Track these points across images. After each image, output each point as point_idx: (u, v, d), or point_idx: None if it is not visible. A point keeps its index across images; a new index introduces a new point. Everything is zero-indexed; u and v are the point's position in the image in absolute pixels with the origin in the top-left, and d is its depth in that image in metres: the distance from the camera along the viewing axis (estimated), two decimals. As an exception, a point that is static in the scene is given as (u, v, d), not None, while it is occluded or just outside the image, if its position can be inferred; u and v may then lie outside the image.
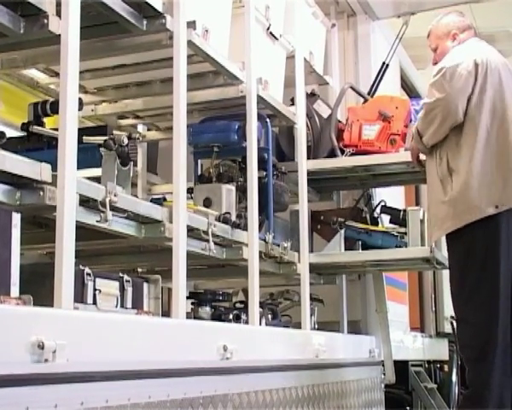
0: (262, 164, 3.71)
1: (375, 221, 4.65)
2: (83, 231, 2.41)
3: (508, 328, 3.14)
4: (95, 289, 2.73)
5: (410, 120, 4.41)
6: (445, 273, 4.86)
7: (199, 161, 3.88)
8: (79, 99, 2.28)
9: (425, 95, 3.49)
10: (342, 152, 4.50)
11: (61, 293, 2.05)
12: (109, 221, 2.47)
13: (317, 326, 4.60)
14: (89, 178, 2.46)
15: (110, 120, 4.10)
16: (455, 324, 3.43)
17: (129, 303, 2.95)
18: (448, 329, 6.62)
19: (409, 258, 4.40)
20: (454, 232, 3.17)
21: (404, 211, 4.40)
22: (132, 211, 2.66)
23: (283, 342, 3.41)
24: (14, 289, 2.06)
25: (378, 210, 4.67)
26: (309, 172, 4.31)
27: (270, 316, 4.14)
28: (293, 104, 4.29)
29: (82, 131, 2.45)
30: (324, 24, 5.00)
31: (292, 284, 4.58)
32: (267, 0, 3.83)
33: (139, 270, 3.94)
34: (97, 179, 2.54)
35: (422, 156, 3.56)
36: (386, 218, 4.66)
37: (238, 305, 4.19)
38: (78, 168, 2.21)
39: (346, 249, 4.52)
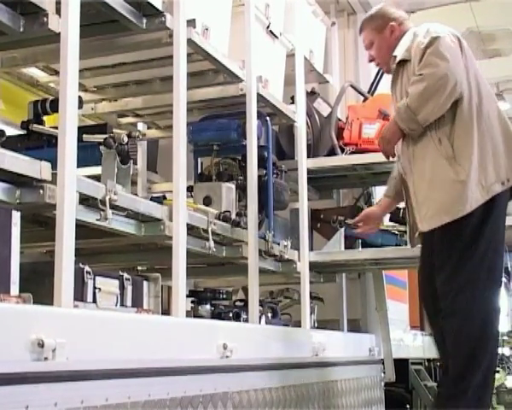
0: (262, 162, 3.70)
1: (374, 220, 4.65)
2: (83, 229, 2.41)
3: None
4: (94, 288, 2.74)
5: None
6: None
7: (199, 160, 3.88)
8: (79, 97, 2.28)
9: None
10: (342, 150, 4.50)
11: (61, 291, 2.05)
12: (109, 219, 2.47)
13: (316, 324, 4.61)
14: (89, 177, 2.45)
15: (110, 118, 4.10)
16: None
17: (129, 302, 2.95)
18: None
19: (408, 256, 4.40)
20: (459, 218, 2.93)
21: (404, 209, 4.40)
22: (132, 209, 2.66)
23: (283, 341, 3.41)
24: (14, 288, 2.06)
25: (378, 209, 4.67)
26: (309, 171, 4.31)
27: (269, 314, 4.14)
28: (293, 103, 4.29)
29: (82, 130, 2.46)
30: (324, 22, 5.00)
31: (292, 282, 4.58)
32: (267, -2, 3.83)
33: (139, 268, 3.95)
34: (97, 178, 2.54)
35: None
36: (385, 216, 4.66)
37: (238, 303, 4.20)
38: (78, 166, 2.21)
39: (345, 248, 4.53)
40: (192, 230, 3.04)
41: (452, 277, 2.95)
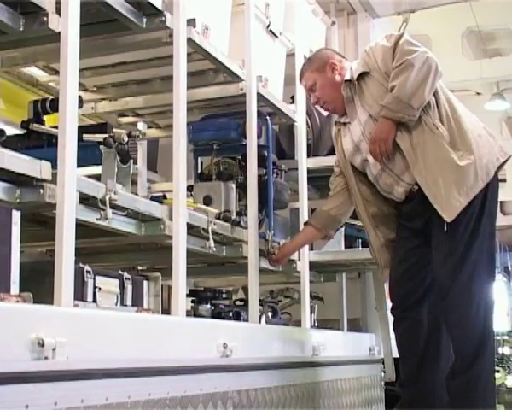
0: (262, 162, 3.71)
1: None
2: (83, 228, 2.41)
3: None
4: (95, 287, 2.74)
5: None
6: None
7: (199, 159, 3.88)
8: (79, 97, 2.28)
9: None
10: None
11: (61, 291, 2.05)
12: (109, 219, 2.47)
13: (316, 324, 4.61)
14: (89, 176, 2.45)
15: (110, 117, 4.10)
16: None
17: (129, 301, 2.96)
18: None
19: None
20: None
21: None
22: (132, 209, 2.66)
23: (283, 340, 3.41)
24: (14, 287, 2.06)
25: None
26: (309, 170, 4.31)
27: (270, 314, 4.14)
28: (293, 102, 4.29)
29: (82, 129, 2.45)
30: (324, 22, 5.00)
31: (292, 281, 4.58)
32: (267, -2, 3.83)
33: (139, 268, 3.95)
34: (97, 177, 2.54)
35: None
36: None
37: (238, 303, 4.20)
38: (78, 166, 2.21)
39: (345, 247, 4.52)
40: (192, 229, 3.04)
41: (461, 263, 2.98)
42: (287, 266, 4.01)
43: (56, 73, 3.45)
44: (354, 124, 3.24)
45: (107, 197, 2.44)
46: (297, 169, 4.25)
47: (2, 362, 1.62)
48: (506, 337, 16.12)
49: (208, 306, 3.77)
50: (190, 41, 3.00)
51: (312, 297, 4.52)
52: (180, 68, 2.86)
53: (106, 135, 2.60)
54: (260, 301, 3.65)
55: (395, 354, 4.94)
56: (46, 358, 1.74)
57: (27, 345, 1.71)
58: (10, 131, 2.73)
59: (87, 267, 2.71)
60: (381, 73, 3.11)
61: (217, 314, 3.74)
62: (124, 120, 4.24)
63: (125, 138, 2.62)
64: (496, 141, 3.14)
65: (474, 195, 2.96)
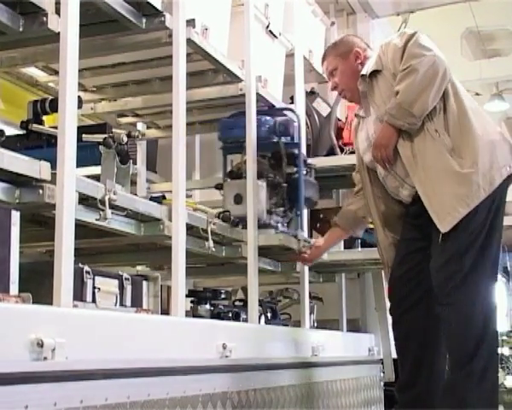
0: (292, 159, 3.66)
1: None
2: (82, 229, 2.41)
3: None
4: (94, 288, 2.74)
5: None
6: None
7: (228, 157, 3.81)
8: (79, 97, 2.28)
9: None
10: (342, 150, 4.50)
11: (61, 291, 2.05)
12: (108, 219, 2.47)
13: (316, 324, 4.61)
14: (88, 177, 2.45)
15: (109, 118, 4.10)
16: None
17: (128, 301, 2.96)
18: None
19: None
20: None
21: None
22: (131, 209, 2.66)
23: (282, 341, 3.41)
24: (14, 288, 2.06)
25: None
26: (308, 171, 4.30)
27: (269, 314, 4.14)
28: (292, 102, 4.29)
29: (81, 130, 2.45)
30: (324, 22, 5.00)
31: (291, 282, 4.58)
32: (266, -2, 3.83)
33: (138, 268, 3.95)
34: (97, 177, 2.54)
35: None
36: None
37: (237, 303, 4.20)
38: (78, 166, 2.21)
39: (345, 248, 4.52)
40: (191, 229, 3.04)
41: (460, 268, 2.89)
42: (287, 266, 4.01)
43: (56, 73, 3.45)
44: (369, 120, 3.19)
45: (107, 198, 2.44)
46: (296, 169, 4.24)
47: (1, 363, 1.62)
48: (505, 338, 16.11)
49: (207, 306, 3.77)
50: (190, 41, 3.00)
51: (312, 298, 4.52)
52: (179, 69, 2.86)
53: (105, 135, 2.60)
54: (260, 301, 3.65)
55: (394, 355, 4.96)
56: (45, 358, 1.74)
57: (27, 345, 1.71)
58: (10, 131, 2.73)
59: (86, 268, 2.71)
60: (391, 73, 3.04)
61: (216, 315, 3.74)
62: (123, 120, 4.24)
63: (125, 139, 2.62)
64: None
65: (474, 205, 2.85)
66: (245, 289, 4.05)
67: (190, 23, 2.98)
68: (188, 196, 3.51)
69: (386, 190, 3.20)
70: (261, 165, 3.62)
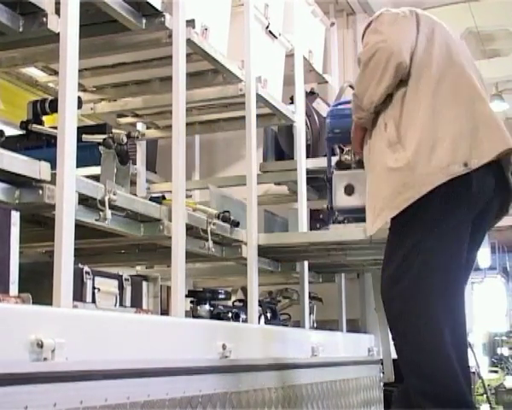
0: None
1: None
2: (82, 229, 2.41)
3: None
4: (94, 288, 2.74)
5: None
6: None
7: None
8: (78, 97, 2.28)
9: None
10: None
11: (60, 291, 2.05)
12: (108, 220, 2.47)
13: (315, 325, 4.61)
14: (88, 177, 2.45)
15: (109, 118, 4.10)
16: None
17: (128, 302, 2.96)
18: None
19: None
20: (408, 206, 2.45)
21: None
22: (131, 209, 2.66)
23: (282, 341, 3.41)
24: (13, 288, 2.06)
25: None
26: (308, 171, 4.31)
27: (269, 315, 4.14)
28: (292, 103, 4.29)
29: (81, 130, 2.46)
30: (323, 22, 5.00)
31: (291, 282, 4.58)
32: (266, -2, 3.83)
33: (138, 268, 3.95)
34: (96, 178, 2.54)
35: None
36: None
37: (237, 303, 4.20)
38: (77, 167, 2.21)
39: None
40: (191, 230, 3.04)
41: (394, 278, 2.52)
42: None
43: (56, 73, 3.45)
44: None
45: (107, 198, 2.44)
46: (296, 170, 4.25)
47: (1, 363, 1.62)
48: (505, 338, 16.15)
49: (207, 306, 3.76)
50: (189, 42, 3.00)
51: (311, 298, 4.52)
52: (179, 69, 2.86)
53: (105, 136, 2.60)
54: (259, 301, 3.65)
55: (394, 355, 4.96)
56: (45, 359, 1.74)
57: (26, 346, 1.70)
58: (9, 131, 2.73)
59: (86, 268, 2.71)
60: None
61: (216, 315, 3.74)
62: (123, 120, 4.24)
63: (125, 139, 2.62)
64: (482, 139, 2.51)
65: (402, 207, 2.45)
66: (245, 290, 4.05)
67: (190, 23, 2.98)
68: (187, 197, 3.51)
69: None
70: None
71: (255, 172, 3.56)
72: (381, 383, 4.84)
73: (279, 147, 4.75)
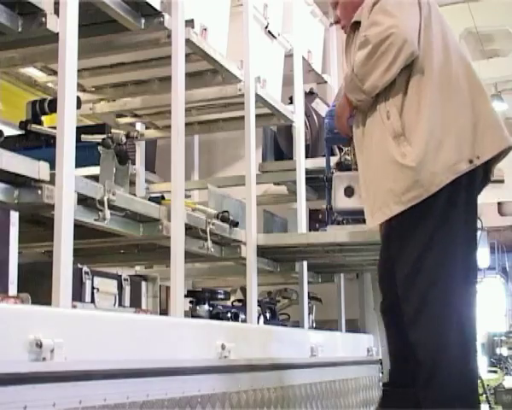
0: None
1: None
2: (81, 229, 2.41)
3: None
4: (93, 288, 2.74)
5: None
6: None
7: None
8: (77, 97, 2.28)
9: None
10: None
11: (59, 291, 2.05)
12: (107, 220, 2.47)
13: (315, 325, 4.61)
14: (87, 177, 2.45)
15: (108, 118, 4.10)
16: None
17: (127, 302, 2.96)
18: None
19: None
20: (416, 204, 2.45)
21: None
22: (130, 209, 2.66)
23: (281, 341, 3.41)
24: (12, 288, 2.06)
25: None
26: (307, 171, 4.31)
27: (268, 314, 4.14)
28: (291, 103, 4.29)
29: (80, 130, 2.45)
30: (323, 22, 5.00)
31: (290, 282, 4.58)
32: (265, -2, 3.84)
33: (137, 268, 3.95)
34: (95, 178, 2.54)
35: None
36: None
37: (236, 303, 4.20)
38: (77, 167, 2.21)
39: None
40: (190, 230, 3.04)
41: (412, 276, 2.49)
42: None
43: (55, 73, 3.45)
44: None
45: (106, 198, 2.44)
46: (295, 170, 4.25)
47: (0, 363, 1.62)
48: (504, 338, 16.13)
49: (206, 306, 3.77)
50: (188, 42, 3.00)
51: (310, 298, 4.52)
52: (178, 69, 2.87)
53: (104, 136, 2.61)
54: (258, 301, 3.65)
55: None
56: (44, 359, 1.74)
57: (25, 346, 1.70)
58: (8, 131, 2.73)
59: (85, 268, 2.71)
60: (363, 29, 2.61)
61: (215, 315, 3.74)
62: (122, 120, 4.24)
63: (124, 139, 2.62)
64: (487, 133, 2.52)
65: (411, 204, 2.43)
66: (244, 290, 4.05)
67: (189, 23, 2.98)
68: (187, 197, 3.51)
69: None
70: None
71: (254, 172, 3.57)
72: (381, 383, 4.84)
73: (278, 147, 4.75)
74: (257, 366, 2.96)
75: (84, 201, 2.39)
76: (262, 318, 3.97)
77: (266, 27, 3.86)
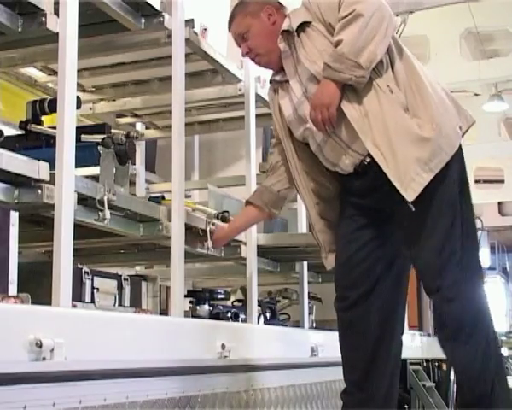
0: None
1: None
2: (81, 229, 2.41)
3: None
4: (93, 288, 2.74)
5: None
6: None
7: None
8: (77, 97, 2.28)
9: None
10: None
11: (59, 291, 2.05)
12: (107, 220, 2.47)
13: (315, 324, 4.61)
14: (87, 177, 2.45)
15: (108, 118, 4.10)
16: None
17: (127, 302, 2.96)
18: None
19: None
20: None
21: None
22: (130, 209, 2.66)
23: (281, 341, 3.41)
24: (12, 288, 2.06)
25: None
26: (307, 171, 4.30)
27: (268, 314, 4.14)
28: (291, 103, 4.28)
29: (80, 130, 2.45)
30: (323, 22, 5.00)
31: (290, 282, 4.58)
32: (265, -2, 3.83)
33: (137, 268, 3.95)
34: (95, 178, 2.54)
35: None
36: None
37: (236, 303, 4.20)
38: (77, 167, 2.21)
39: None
40: (190, 230, 3.04)
41: (445, 246, 2.53)
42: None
43: (55, 73, 3.45)
44: (293, 82, 2.72)
45: (106, 198, 2.44)
46: (295, 170, 4.24)
47: (0, 363, 1.62)
48: (504, 338, 16.11)
49: (206, 306, 3.76)
50: (188, 42, 3.00)
51: (311, 298, 4.52)
52: (178, 69, 2.86)
53: (104, 136, 2.60)
54: (259, 301, 3.65)
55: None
56: (44, 359, 1.74)
57: (25, 346, 1.71)
58: (8, 131, 2.73)
59: (85, 268, 2.71)
60: (325, 24, 2.60)
61: (215, 315, 3.74)
62: (122, 120, 4.24)
63: (124, 139, 2.62)
64: (458, 105, 2.67)
65: (437, 170, 2.48)
66: (244, 290, 4.05)
67: (189, 23, 2.98)
68: (187, 197, 3.52)
69: (319, 162, 2.74)
70: None
71: (254, 172, 3.56)
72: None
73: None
74: (257, 366, 2.96)
75: (84, 201, 2.39)
76: (262, 318, 3.97)
77: (266, 27, 3.85)
